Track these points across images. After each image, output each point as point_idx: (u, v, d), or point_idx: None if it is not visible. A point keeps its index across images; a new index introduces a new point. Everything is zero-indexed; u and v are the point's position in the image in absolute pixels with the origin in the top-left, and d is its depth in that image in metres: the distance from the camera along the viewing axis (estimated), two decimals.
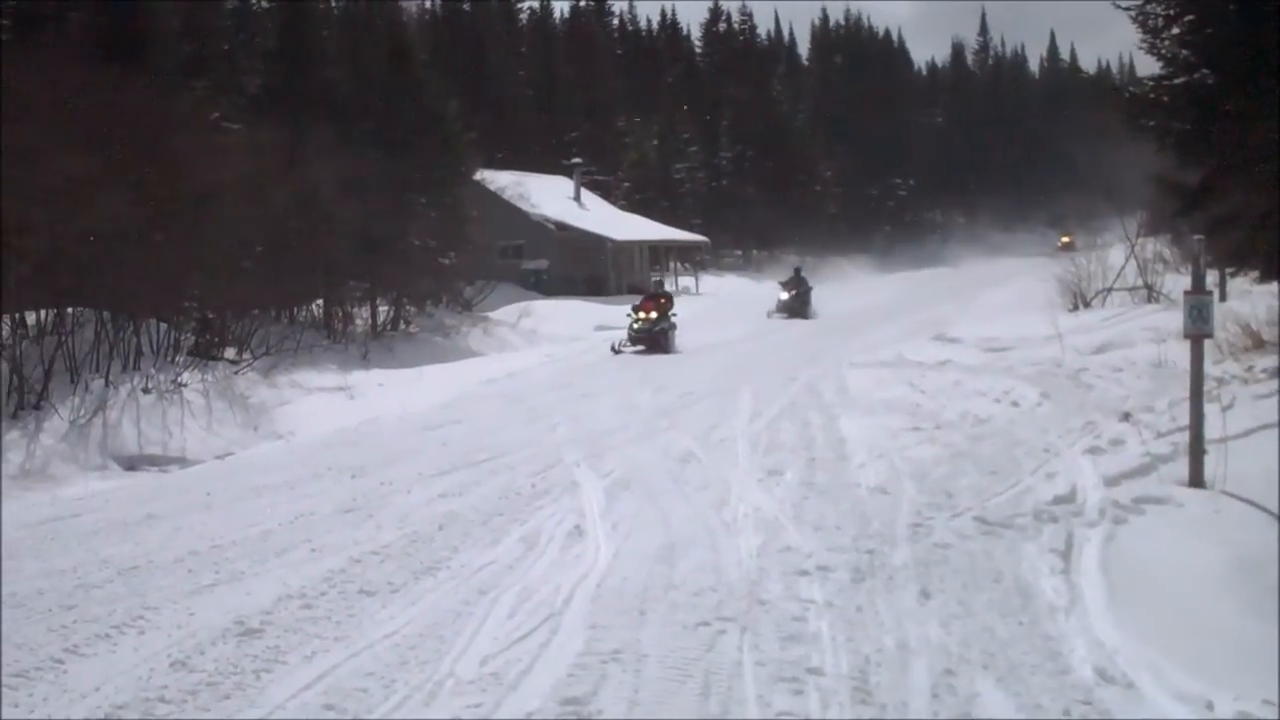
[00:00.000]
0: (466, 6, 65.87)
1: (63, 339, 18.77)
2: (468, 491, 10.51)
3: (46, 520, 11.13)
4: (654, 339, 26.60)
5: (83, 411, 17.10)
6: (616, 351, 26.09)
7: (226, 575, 7.57)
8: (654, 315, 26.98)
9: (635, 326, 26.94)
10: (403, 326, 32.60)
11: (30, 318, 19.42)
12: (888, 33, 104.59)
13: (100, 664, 5.82)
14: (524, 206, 47.02)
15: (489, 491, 10.41)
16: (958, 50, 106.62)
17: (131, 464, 16.29)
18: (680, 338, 27.66)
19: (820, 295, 39.20)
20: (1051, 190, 78.85)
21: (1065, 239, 62.44)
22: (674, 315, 27.59)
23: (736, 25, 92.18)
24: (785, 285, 38.25)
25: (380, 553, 8.03)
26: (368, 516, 9.52)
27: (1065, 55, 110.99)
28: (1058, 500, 8.46)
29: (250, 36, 36.59)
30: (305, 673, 5.56)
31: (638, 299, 42.59)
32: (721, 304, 42.84)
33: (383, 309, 32.33)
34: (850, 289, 48.77)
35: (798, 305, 36.61)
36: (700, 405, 16.00)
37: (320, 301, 29.94)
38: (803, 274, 39.27)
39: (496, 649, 5.81)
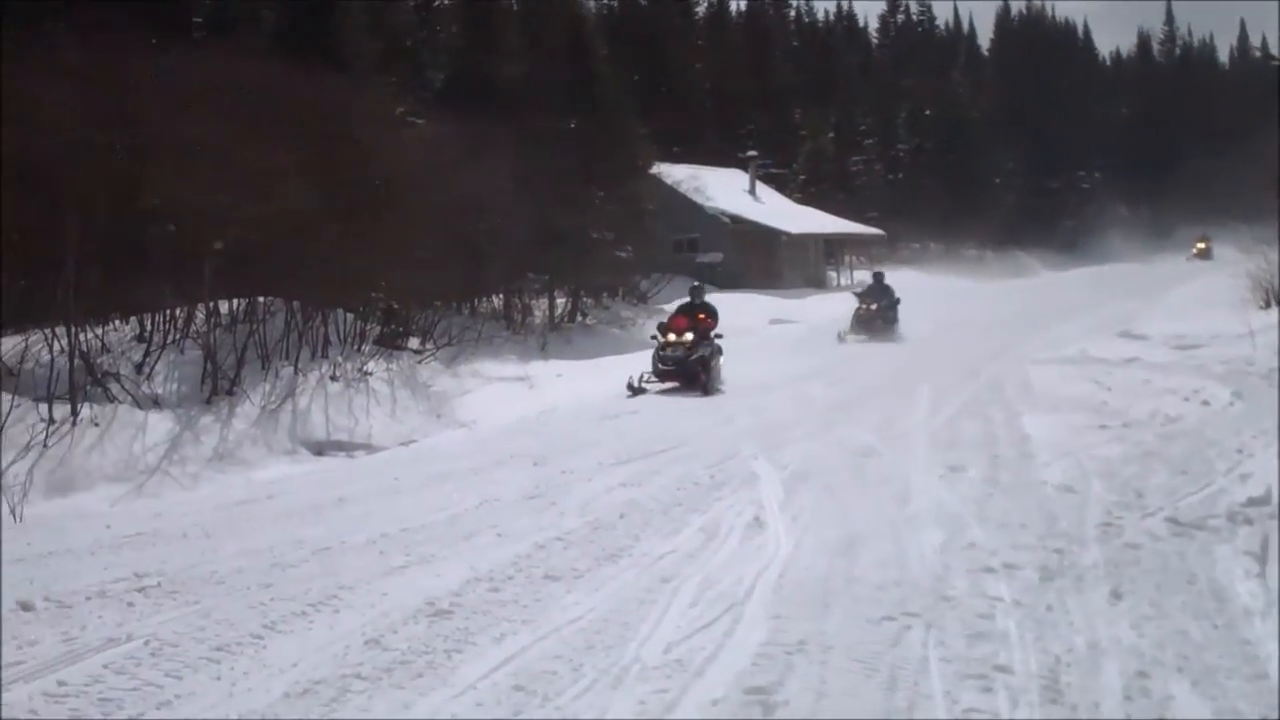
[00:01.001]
0: (644, 0, 66.08)
1: (254, 328, 19.40)
2: (647, 481, 10.60)
3: (242, 502, 11.58)
4: (689, 371, 19.32)
5: (273, 398, 17.66)
6: (636, 390, 19.32)
7: (416, 558, 7.76)
8: (689, 337, 19.85)
9: (664, 353, 19.81)
10: (580, 318, 32.94)
11: (224, 307, 20.09)
12: (1070, 23, 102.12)
13: (297, 640, 6.01)
14: (699, 200, 47.05)
15: (668, 481, 10.49)
16: (1143, 41, 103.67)
17: (319, 449, 16.78)
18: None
19: (992, 291, 37.37)
20: (1240, 183, 76.02)
21: (1200, 245, 59.09)
22: (719, 337, 20.58)
23: (915, 16, 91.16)
24: (862, 296, 29.67)
25: (564, 539, 8.15)
26: (550, 503, 9.68)
27: (1256, 44, 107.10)
28: (1252, 502, 8.18)
29: (435, 32, 37.30)
30: (495, 654, 5.67)
31: (811, 293, 42.10)
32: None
33: (560, 301, 32.71)
34: (1029, 284, 47.76)
35: (879, 324, 28.33)
36: (877, 399, 15.87)
37: (500, 293, 30.45)
38: (886, 282, 30.53)
39: (680, 636, 5.85)
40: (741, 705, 4.98)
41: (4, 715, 5.13)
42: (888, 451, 11.46)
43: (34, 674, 5.49)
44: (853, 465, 10.83)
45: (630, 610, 6.36)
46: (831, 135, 68.03)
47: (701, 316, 20.73)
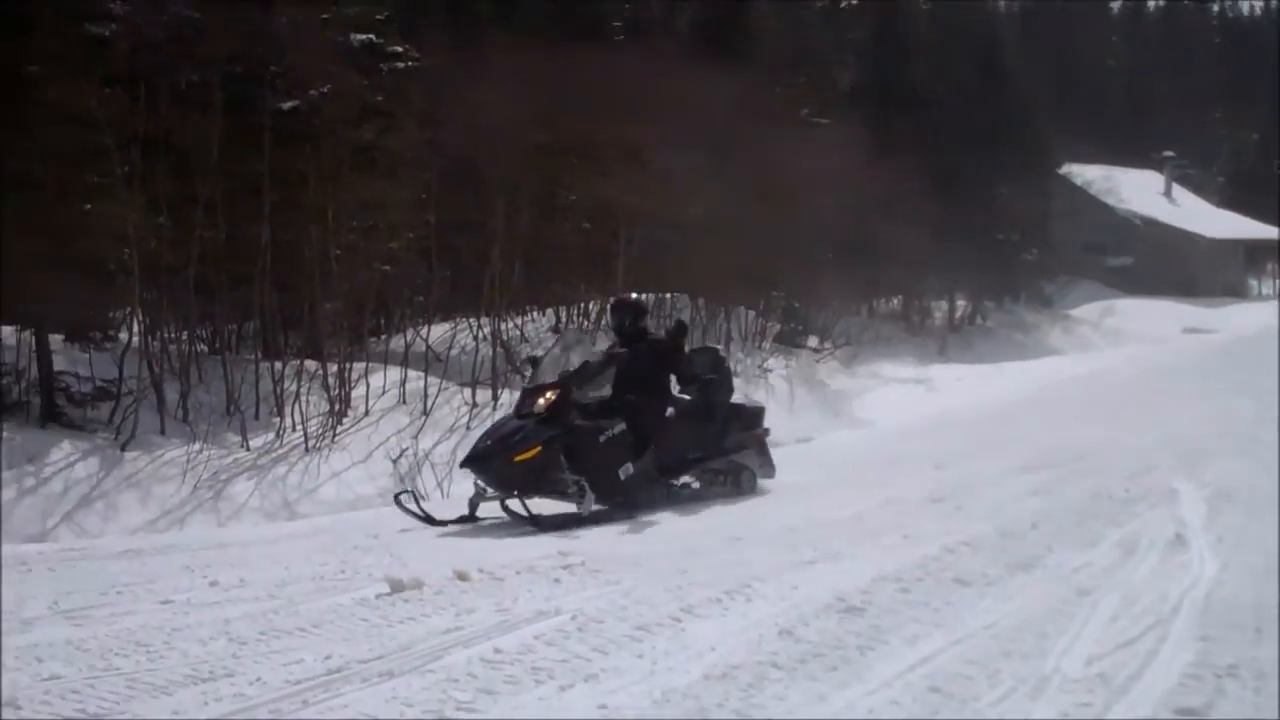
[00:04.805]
0: None
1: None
2: (1056, 490, 10.33)
3: None
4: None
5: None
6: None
7: (824, 553, 7.81)
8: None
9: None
10: (979, 321, 32.40)
11: None
12: None
13: (713, 625, 6.14)
14: (1109, 201, 45.23)
15: (1079, 492, 10.17)
16: None
17: None
18: None
19: None
20: None
21: None
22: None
23: None
24: (530, 385, 10.53)
25: (972, 544, 8.01)
26: (956, 508, 9.56)
27: None
28: None
29: (841, 33, 37.42)
30: (908, 654, 5.64)
31: (1229, 302, 39.37)
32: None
33: (960, 304, 32.26)
34: None
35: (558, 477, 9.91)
36: None
37: (899, 295, 30.34)
38: (642, 329, 11.11)
39: (1101, 651, 5.66)
40: None
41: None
42: None
43: (472, 640, 5.83)
44: None
45: (1046, 620, 6.20)
46: (1256, 136, 63.99)
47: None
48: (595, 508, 9.88)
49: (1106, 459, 12.22)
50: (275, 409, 15.14)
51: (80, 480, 12.91)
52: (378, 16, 17.49)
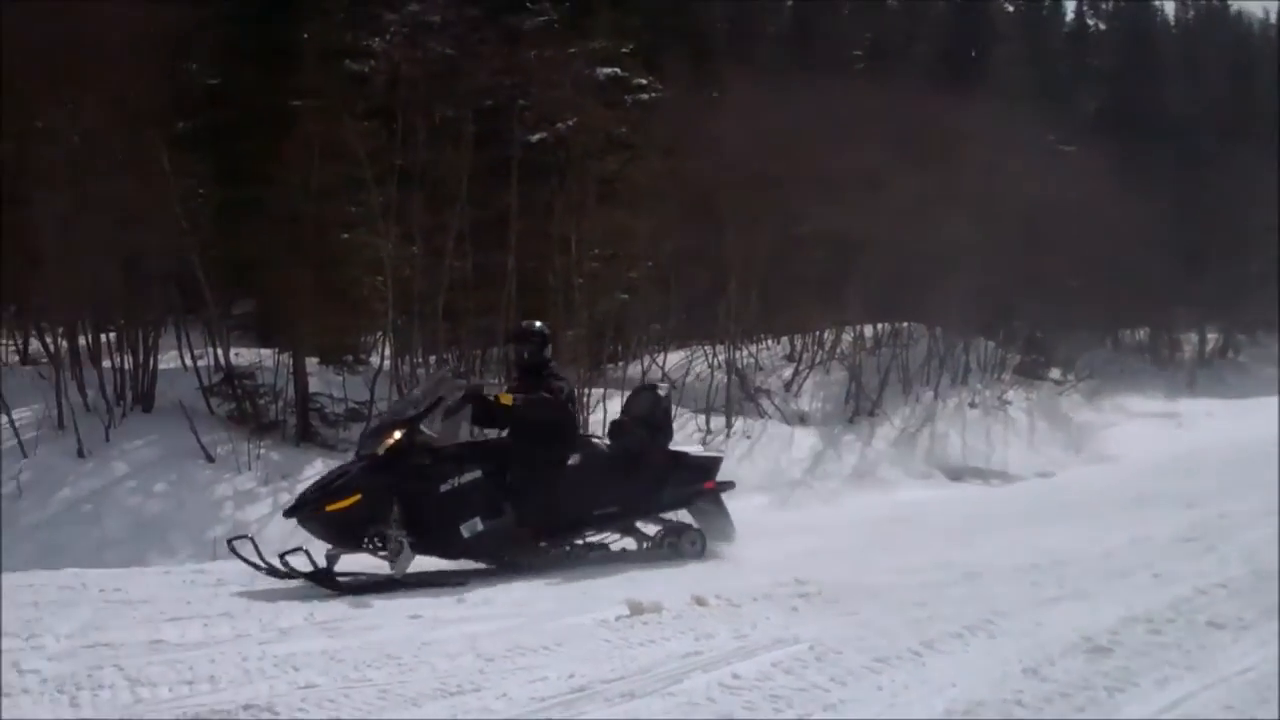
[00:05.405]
0: None
1: (897, 352, 19.94)
2: None
3: (886, 520, 11.89)
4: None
5: (912, 421, 18.03)
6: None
7: (1070, 591, 7.63)
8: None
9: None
10: (1231, 355, 31.17)
11: (868, 330, 20.75)
12: None
13: (954, 661, 6.05)
14: None
15: None
16: None
17: (956, 475, 16.96)
18: None
19: None
20: None
21: None
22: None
23: None
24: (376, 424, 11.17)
25: (1226, 586, 7.72)
26: (1209, 548, 9.21)
27: None
28: None
29: (1086, 58, 36.51)
30: (1158, 697, 5.48)
31: None
32: None
33: (1212, 336, 31.08)
34: None
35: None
36: None
37: (1146, 326, 29.44)
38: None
39: None
40: None
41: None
42: None
43: (711, 665, 5.88)
44: None
45: None
46: None
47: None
48: (452, 568, 8.79)
49: None
50: None
51: None
52: (623, 50, 17.85)
